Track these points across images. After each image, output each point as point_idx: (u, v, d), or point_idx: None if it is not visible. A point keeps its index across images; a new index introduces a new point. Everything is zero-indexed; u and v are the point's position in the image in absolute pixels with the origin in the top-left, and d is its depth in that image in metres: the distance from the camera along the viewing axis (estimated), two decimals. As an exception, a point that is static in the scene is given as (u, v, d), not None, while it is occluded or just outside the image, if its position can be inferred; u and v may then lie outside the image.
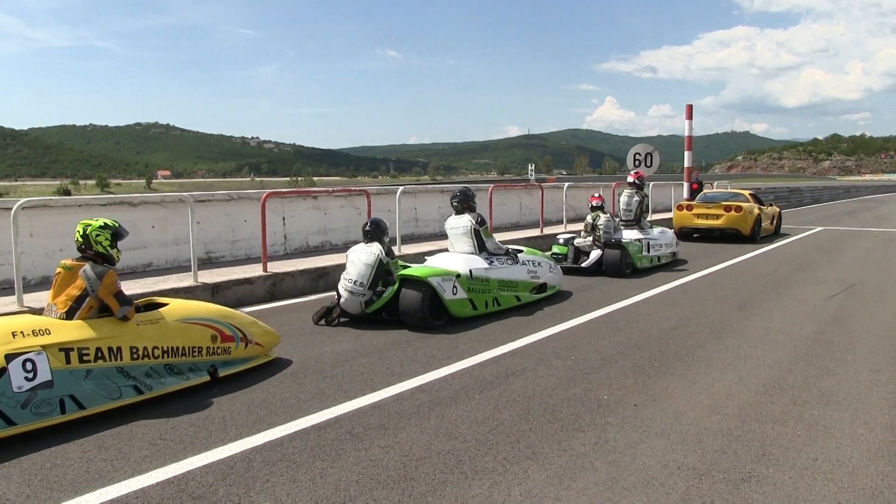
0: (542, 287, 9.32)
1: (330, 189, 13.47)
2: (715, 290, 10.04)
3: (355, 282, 7.89)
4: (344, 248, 13.17)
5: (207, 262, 11.36)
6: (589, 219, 11.87)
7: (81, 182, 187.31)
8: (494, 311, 8.46)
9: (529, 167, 67.07)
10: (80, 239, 5.36)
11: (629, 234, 11.89)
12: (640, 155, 20.40)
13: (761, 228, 17.24)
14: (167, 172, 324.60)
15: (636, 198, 12.30)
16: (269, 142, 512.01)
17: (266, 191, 11.21)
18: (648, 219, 14.33)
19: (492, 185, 15.11)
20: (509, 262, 8.81)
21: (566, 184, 18.20)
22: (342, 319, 8.12)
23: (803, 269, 12.23)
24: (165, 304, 5.88)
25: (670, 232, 13.16)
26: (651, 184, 22.36)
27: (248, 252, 11.94)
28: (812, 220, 25.28)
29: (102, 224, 5.41)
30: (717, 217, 16.84)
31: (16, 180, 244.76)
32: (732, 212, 16.64)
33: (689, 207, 17.31)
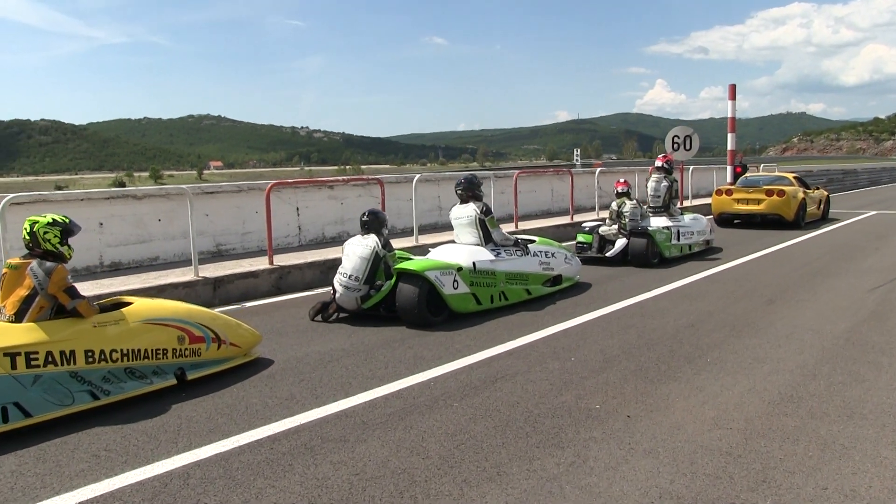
0: (556, 279, 8.77)
1: (344, 178, 13.04)
2: (745, 281, 9.35)
3: (350, 276, 7.48)
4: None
5: (217, 255, 11.09)
6: (614, 206, 11.24)
7: (136, 174, 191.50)
8: (502, 306, 7.94)
9: (575, 152, 66.04)
10: (27, 237, 5.03)
11: (657, 222, 11.22)
12: (678, 138, 19.57)
13: (806, 213, 16.32)
14: (219, 163, 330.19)
15: (665, 183, 11.61)
16: (319, 131, 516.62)
17: (271, 181, 10.84)
18: (679, 205, 13.61)
19: (517, 172, 14.52)
20: (518, 253, 8.28)
21: (598, 169, 17.48)
22: (341, 315, 7.72)
23: (847, 257, 11.41)
24: (130, 304, 5.51)
25: (703, 218, 12.43)
26: (691, 167, 21.50)
27: (260, 244, 11.61)
28: (866, 203, 24.06)
29: (50, 220, 5.06)
30: (759, 202, 15.98)
31: (76, 174, 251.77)
32: (774, 196, 15.77)
33: (729, 192, 16.48)
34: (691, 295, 8.51)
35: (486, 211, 8.11)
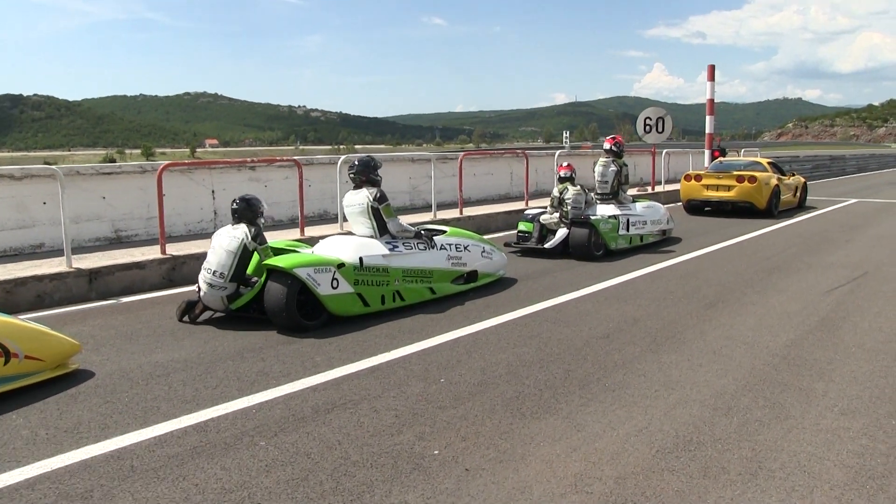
0: (471, 276, 7.69)
1: (269, 159, 11.91)
2: (691, 279, 8.28)
3: (214, 272, 6.41)
4: (290, 223, 11.70)
5: (116, 243, 10.05)
6: (555, 192, 10.14)
7: (128, 151, 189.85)
8: (398, 307, 6.85)
9: (564, 134, 64.81)
10: None
11: (604, 210, 10.12)
12: (650, 119, 18.46)
13: (780, 201, 15.23)
14: (215, 141, 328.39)
15: (613, 167, 10.48)
16: (316, 110, 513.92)
17: (163, 162, 9.71)
18: (631, 192, 12.53)
19: (462, 154, 13.39)
20: (421, 246, 7.18)
21: (558, 151, 16.34)
22: (216, 315, 6.66)
23: (814, 250, 10.33)
24: None
25: (660, 207, 11.33)
26: (665, 151, 20.39)
27: (168, 229, 10.47)
28: (850, 190, 22.98)
29: None
30: (729, 188, 14.88)
31: (69, 150, 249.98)
32: (745, 182, 14.66)
33: (698, 178, 15.37)
34: (623, 296, 7.43)
35: (381, 198, 7.01)
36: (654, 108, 18.63)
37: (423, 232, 7.33)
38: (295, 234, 10.17)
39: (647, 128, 18.46)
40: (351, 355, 5.51)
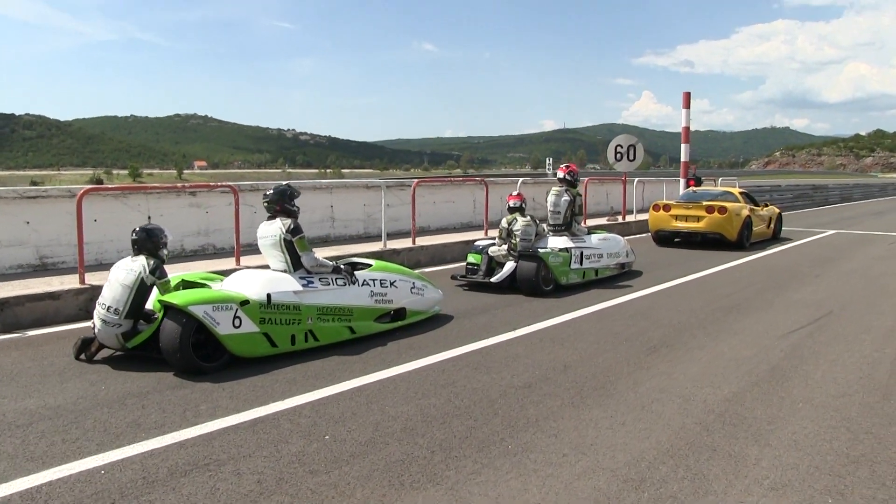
0: (399, 313, 7.07)
1: (210, 184, 11.30)
2: (641, 319, 7.68)
3: (108, 308, 5.81)
4: (232, 251, 11.04)
5: (41, 269, 9.42)
6: (504, 223, 9.55)
7: (115, 172, 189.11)
8: (312, 348, 6.24)
9: (547, 161, 64.53)
10: None
11: (555, 242, 9.54)
12: (621, 147, 17.98)
13: (752, 233, 14.71)
14: (203, 163, 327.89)
15: (565, 197, 9.91)
16: (305, 133, 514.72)
17: (84, 186, 9.11)
18: (600, 221, 11.98)
19: (415, 181, 12.81)
20: (340, 282, 6.56)
21: (520, 179, 15.80)
22: (116, 353, 6.07)
23: (780, 286, 9.77)
24: None
25: (619, 239, 10.77)
26: (636, 179, 19.89)
27: (99, 257, 9.86)
28: (830, 221, 22.53)
29: None
30: (698, 219, 14.36)
31: (58, 169, 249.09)
32: (715, 213, 14.15)
33: (667, 208, 14.84)
34: (561, 337, 6.82)
35: (294, 229, 6.41)
36: (625, 135, 18.14)
37: (342, 266, 6.71)
38: (229, 263, 9.59)
39: (619, 155, 17.97)
40: (240, 403, 4.91)
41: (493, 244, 9.68)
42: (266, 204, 6.61)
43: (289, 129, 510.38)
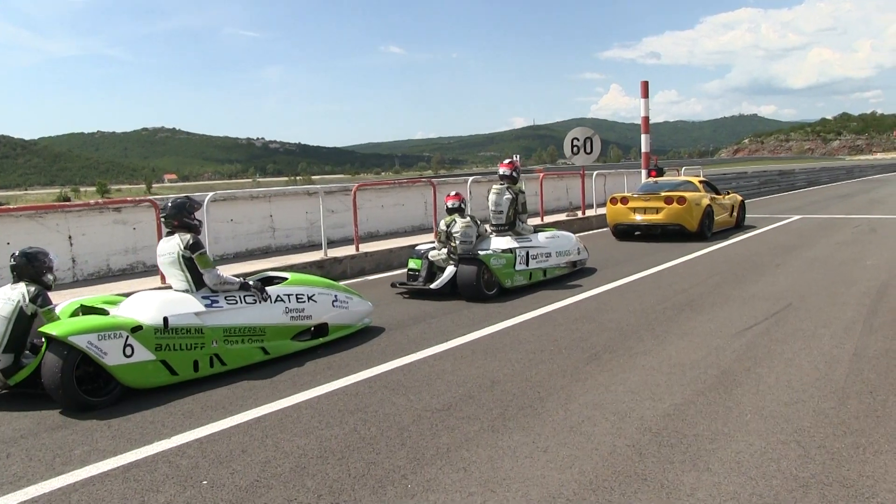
0: (320, 329, 6.46)
1: (135, 199, 10.60)
2: (586, 322, 7.13)
3: (-16, 342, 5.13)
4: (163, 268, 10.34)
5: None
6: (442, 225, 8.97)
7: (83, 189, 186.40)
8: (220, 373, 5.62)
9: (514, 157, 63.82)
10: None
11: (498, 243, 8.97)
12: (578, 140, 17.49)
13: (713, 222, 14.25)
14: (174, 176, 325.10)
15: (507, 195, 9.34)
16: (275, 142, 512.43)
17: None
18: (559, 217, 11.43)
19: (356, 185, 12.20)
20: (249, 299, 5.93)
21: (471, 178, 15.22)
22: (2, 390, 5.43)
23: (738, 279, 9.28)
24: None
25: (569, 236, 10.23)
26: (595, 173, 19.42)
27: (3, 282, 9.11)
28: (796, 206, 22.21)
29: None
30: (657, 211, 13.87)
31: (26, 189, 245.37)
32: (674, 204, 13.67)
33: (625, 201, 14.35)
34: (495, 348, 6.24)
35: (194, 245, 5.78)
36: (581, 128, 17.65)
37: (251, 283, 6.08)
38: (157, 282, 8.95)
39: (575, 149, 17.47)
40: (121, 444, 4.34)
41: (434, 248, 9.09)
42: (164, 219, 5.97)
43: (258, 138, 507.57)
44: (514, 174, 9.41)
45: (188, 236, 5.85)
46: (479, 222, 9.06)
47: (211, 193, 9.98)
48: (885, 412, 4.34)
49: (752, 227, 15.91)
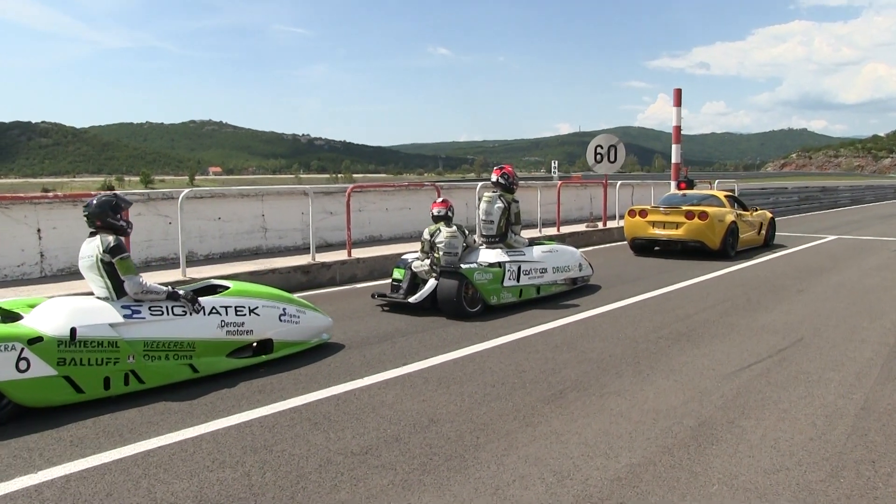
0: (265, 345, 5.81)
1: (94, 193, 10.04)
2: (566, 350, 6.39)
3: None
4: (144, 266, 9.85)
5: None
6: (426, 234, 8.28)
7: (127, 178, 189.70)
8: (138, 391, 5.02)
9: (553, 164, 63.11)
10: None
11: (486, 256, 8.26)
12: (601, 148, 16.66)
13: (739, 240, 13.34)
14: (218, 169, 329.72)
15: (499, 203, 8.62)
16: (320, 139, 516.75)
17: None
18: (564, 230, 10.68)
19: (350, 187, 11.57)
20: (178, 310, 5.31)
21: (479, 184, 14.48)
22: None
23: (752, 305, 8.44)
24: None
25: (571, 251, 9.48)
26: (619, 183, 18.55)
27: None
28: (833, 225, 21.06)
29: None
30: (677, 226, 13.01)
31: (73, 176, 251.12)
32: (696, 219, 12.80)
33: (643, 214, 13.50)
34: (454, 377, 5.54)
35: (114, 248, 5.18)
36: (605, 135, 16.82)
37: (181, 292, 5.45)
38: None
39: (599, 157, 16.65)
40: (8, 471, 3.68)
41: (419, 258, 8.42)
42: (86, 218, 5.38)
43: (303, 135, 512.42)
44: (506, 181, 8.67)
45: (110, 238, 5.25)
46: (466, 232, 8.36)
47: (186, 190, 9.41)
48: (887, 491, 3.55)
49: (782, 247, 14.94)
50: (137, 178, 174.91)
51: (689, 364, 5.89)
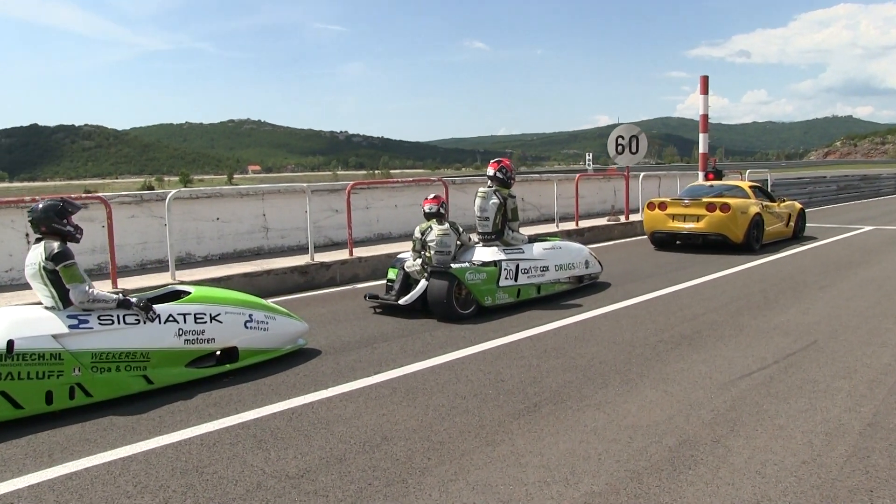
0: (229, 354, 5.49)
1: (92, 195, 9.83)
2: (554, 356, 5.96)
3: None
4: (140, 269, 9.65)
5: None
6: (417, 232, 7.90)
7: (167, 179, 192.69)
8: (86, 405, 4.73)
9: (587, 157, 62.13)
10: None
11: (482, 254, 7.85)
12: (622, 138, 16.11)
13: (763, 233, 12.71)
14: (258, 167, 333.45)
15: (494, 199, 8.18)
16: (358, 135, 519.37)
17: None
18: (582, 223, 10.22)
19: (350, 184, 11.22)
20: (130, 319, 5.00)
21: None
22: None
23: (768, 303, 7.91)
24: None
25: (575, 248, 9.02)
26: (642, 174, 17.96)
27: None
28: (872, 215, 20.18)
29: None
30: (698, 219, 12.43)
31: (115, 178, 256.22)
32: (717, 211, 12.21)
33: (663, 206, 12.95)
34: (425, 387, 5.16)
35: (58, 256, 4.88)
36: (626, 125, 16.24)
37: (133, 300, 5.14)
38: (125, 283, 8.21)
39: (620, 148, 16.09)
40: None
41: (411, 258, 8.04)
42: (31, 223, 5.09)
43: (341, 132, 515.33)
44: (504, 176, 8.24)
45: (54, 245, 4.95)
46: (461, 230, 7.96)
47: (173, 191, 9.14)
48: (881, 526, 3.06)
49: (812, 239, 14.25)
50: (177, 178, 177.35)
51: (684, 372, 5.42)
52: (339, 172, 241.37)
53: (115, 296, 5.07)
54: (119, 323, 5.01)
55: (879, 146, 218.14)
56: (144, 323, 5.11)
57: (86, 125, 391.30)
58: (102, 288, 7.64)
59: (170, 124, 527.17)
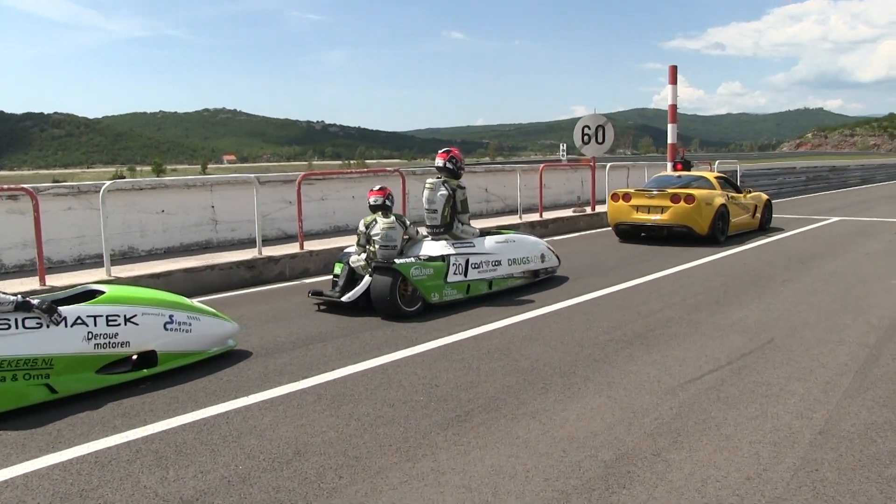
0: (147, 358, 5.09)
1: (18, 186, 9.38)
2: (497, 357, 5.64)
3: None
4: (78, 264, 9.18)
5: None
6: (361, 226, 7.52)
7: (139, 168, 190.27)
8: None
9: (561, 146, 61.81)
10: None
11: (429, 249, 7.49)
12: (589, 129, 15.82)
13: (729, 225, 12.48)
14: (233, 157, 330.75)
15: (442, 190, 7.83)
16: (334, 125, 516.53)
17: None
18: (546, 215, 9.89)
19: (300, 174, 10.80)
20: (31, 322, 4.59)
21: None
22: None
23: (728, 298, 7.64)
24: None
25: (530, 241, 8.70)
26: (609, 165, 17.69)
27: None
28: (838, 206, 20.10)
29: None
30: (662, 210, 12.17)
31: (88, 167, 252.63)
32: (682, 203, 11.96)
33: (627, 197, 12.67)
34: (352, 394, 4.81)
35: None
36: (592, 115, 15.95)
37: (35, 302, 4.72)
38: (56, 280, 7.77)
39: (586, 138, 15.81)
40: None
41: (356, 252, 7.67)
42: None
43: (318, 121, 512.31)
44: (453, 166, 7.89)
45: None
46: (407, 223, 7.60)
47: (108, 183, 8.70)
48: (824, 555, 2.76)
49: (779, 230, 14.06)
50: (149, 168, 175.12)
51: (632, 375, 5.11)
52: (314, 163, 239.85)
53: (13, 297, 4.65)
54: (17, 327, 4.59)
55: (849, 138, 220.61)
56: (48, 326, 4.69)
57: (55, 113, 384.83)
58: (26, 286, 7.22)
59: (143, 113, 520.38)
